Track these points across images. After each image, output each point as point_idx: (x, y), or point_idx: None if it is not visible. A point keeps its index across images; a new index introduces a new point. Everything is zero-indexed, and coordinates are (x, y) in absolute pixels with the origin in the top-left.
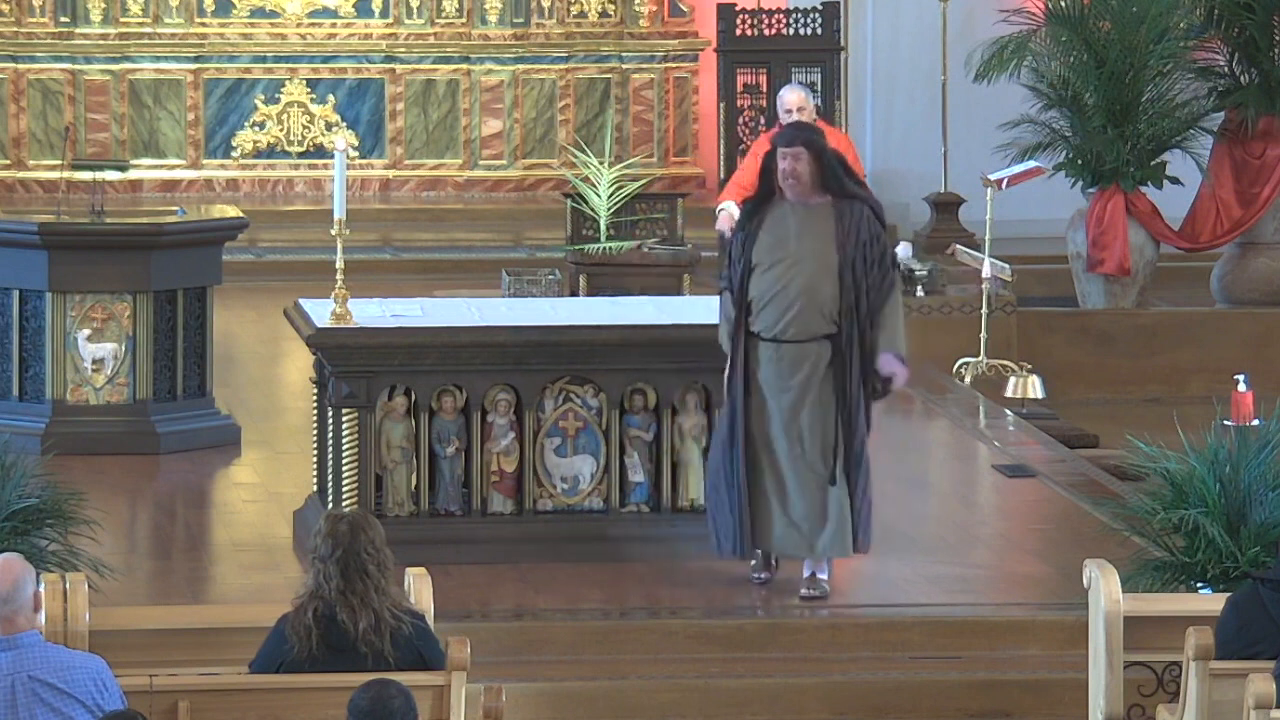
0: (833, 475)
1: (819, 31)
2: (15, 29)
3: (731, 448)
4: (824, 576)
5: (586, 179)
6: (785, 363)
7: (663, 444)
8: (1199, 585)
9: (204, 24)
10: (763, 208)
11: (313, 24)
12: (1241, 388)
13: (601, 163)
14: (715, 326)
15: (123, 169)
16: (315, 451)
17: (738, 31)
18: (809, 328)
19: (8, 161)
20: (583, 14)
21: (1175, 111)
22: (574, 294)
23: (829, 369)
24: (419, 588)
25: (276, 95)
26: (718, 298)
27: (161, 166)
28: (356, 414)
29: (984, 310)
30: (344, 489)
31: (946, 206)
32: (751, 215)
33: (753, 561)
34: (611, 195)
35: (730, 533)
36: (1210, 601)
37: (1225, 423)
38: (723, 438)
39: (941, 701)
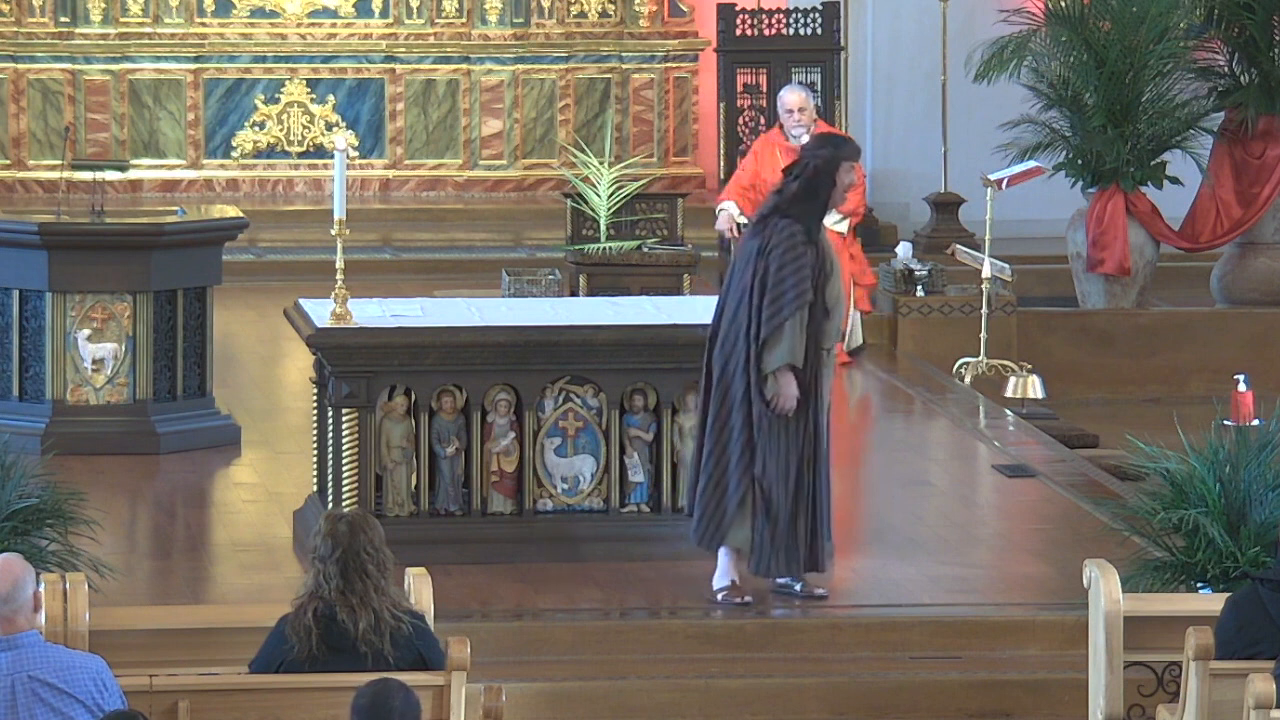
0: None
1: (819, 31)
2: (15, 29)
3: (817, 462)
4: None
5: (586, 179)
6: (830, 370)
7: (663, 444)
8: (1199, 585)
9: (204, 24)
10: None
11: (313, 24)
12: (1241, 388)
13: (601, 163)
14: (708, 325)
15: (123, 169)
16: (315, 451)
17: (738, 31)
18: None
19: (8, 161)
20: (583, 14)
21: (1175, 111)
22: (574, 294)
23: None
24: (419, 588)
25: (276, 95)
26: (786, 322)
27: (161, 166)
28: (356, 414)
29: (984, 310)
30: (344, 489)
31: (946, 206)
32: (817, 225)
33: (724, 583)
34: (611, 195)
35: (806, 553)
36: (1210, 601)
37: (1225, 423)
38: (804, 454)
39: (941, 701)
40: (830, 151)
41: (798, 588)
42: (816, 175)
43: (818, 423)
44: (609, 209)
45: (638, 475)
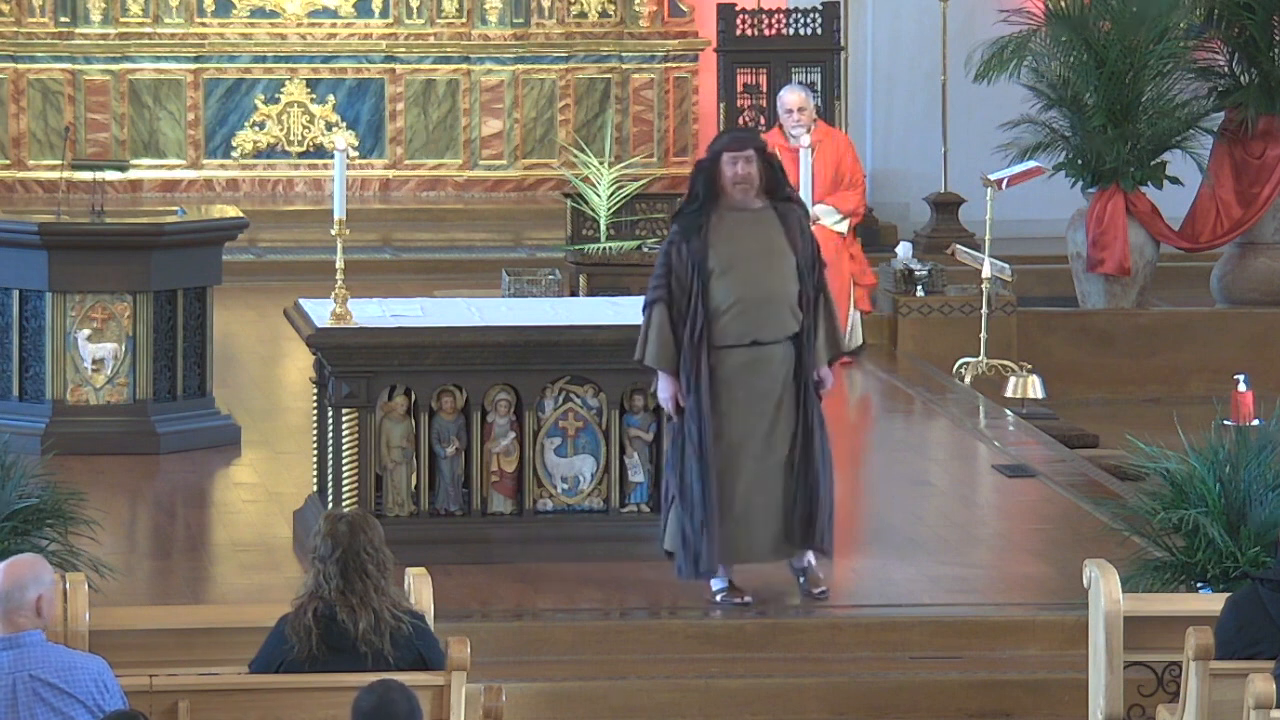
0: (808, 471)
1: (819, 31)
2: (15, 29)
3: (701, 462)
4: (813, 563)
5: (586, 179)
6: (761, 365)
7: (663, 444)
8: (1199, 585)
9: (204, 24)
10: (702, 215)
11: (313, 24)
12: (1241, 388)
13: (601, 163)
14: None
15: (123, 169)
16: (315, 451)
17: (738, 31)
18: (783, 327)
19: (8, 161)
20: (583, 14)
21: (1175, 111)
22: (574, 294)
23: (795, 367)
24: (419, 588)
25: (276, 95)
26: (643, 312)
27: (161, 166)
28: (356, 414)
29: (984, 310)
30: (344, 489)
31: (946, 206)
32: (695, 223)
33: (721, 585)
34: (611, 195)
35: (703, 553)
36: (1210, 601)
37: (1225, 423)
38: (689, 454)
39: (941, 701)
40: (708, 153)
41: (801, 579)
42: (695, 177)
43: (701, 421)
44: (609, 209)
45: (638, 475)
